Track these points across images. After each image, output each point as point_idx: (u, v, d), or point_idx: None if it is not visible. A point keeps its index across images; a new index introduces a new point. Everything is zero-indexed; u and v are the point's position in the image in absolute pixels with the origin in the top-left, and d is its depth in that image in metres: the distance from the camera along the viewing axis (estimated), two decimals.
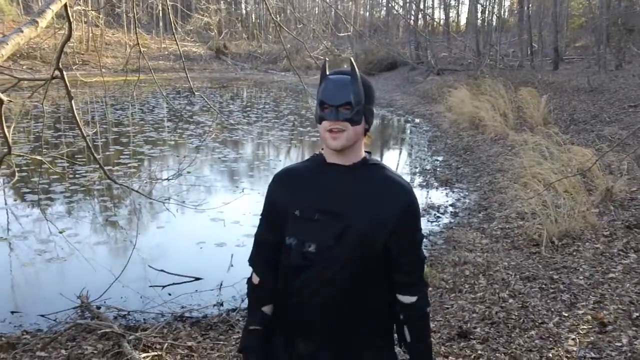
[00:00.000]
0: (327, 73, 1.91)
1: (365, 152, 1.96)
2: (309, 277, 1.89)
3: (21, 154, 7.34)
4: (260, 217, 2.06)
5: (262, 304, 2.01)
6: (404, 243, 1.91)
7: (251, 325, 2.01)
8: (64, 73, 3.84)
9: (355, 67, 1.87)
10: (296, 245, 1.90)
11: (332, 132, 1.85)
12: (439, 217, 7.27)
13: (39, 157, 4.45)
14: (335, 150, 1.89)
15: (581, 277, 4.79)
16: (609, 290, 4.50)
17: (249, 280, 2.07)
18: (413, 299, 1.93)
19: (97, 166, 4.34)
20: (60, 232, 6.28)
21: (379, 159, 2.02)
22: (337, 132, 1.84)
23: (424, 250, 2.01)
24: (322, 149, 1.97)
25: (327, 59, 1.98)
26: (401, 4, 37.35)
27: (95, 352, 3.93)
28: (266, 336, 2.01)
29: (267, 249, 2.02)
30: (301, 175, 1.98)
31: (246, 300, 4.91)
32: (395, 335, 2.01)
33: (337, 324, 1.92)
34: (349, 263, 1.86)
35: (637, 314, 4.04)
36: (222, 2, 45.13)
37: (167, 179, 7.41)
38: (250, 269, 2.07)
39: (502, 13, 30.66)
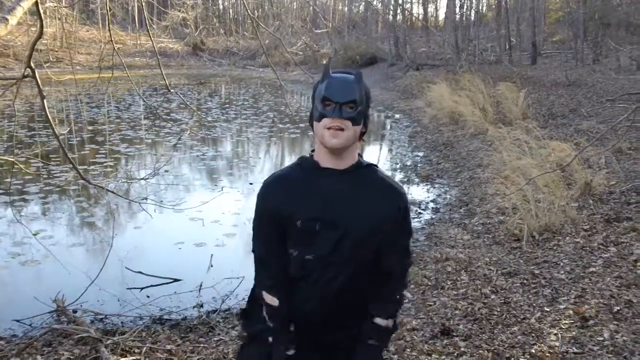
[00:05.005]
0: (331, 72, 1.87)
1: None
2: (307, 284, 1.88)
3: None
4: (255, 233, 1.96)
5: (289, 323, 1.91)
6: (393, 245, 1.94)
7: (287, 350, 1.91)
8: (36, 72, 3.74)
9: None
10: (297, 255, 1.87)
11: (332, 129, 1.80)
12: (420, 213, 7.26)
13: (10, 159, 4.33)
14: (332, 150, 1.83)
15: (562, 272, 4.80)
16: (590, 284, 4.51)
17: (265, 303, 1.93)
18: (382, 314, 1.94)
19: (72, 166, 4.23)
20: (34, 234, 6.13)
21: (369, 160, 1.99)
22: (337, 130, 1.79)
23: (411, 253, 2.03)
24: (312, 152, 1.91)
25: (330, 57, 1.98)
26: None
27: (72, 357, 3.84)
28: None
29: (276, 266, 1.91)
30: (295, 182, 1.90)
31: (226, 302, 4.89)
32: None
33: (333, 327, 1.92)
34: (345, 269, 1.86)
35: (618, 308, 4.05)
36: None
37: (144, 178, 7.26)
38: (259, 290, 1.96)
39: (480, 8, 30.81)
